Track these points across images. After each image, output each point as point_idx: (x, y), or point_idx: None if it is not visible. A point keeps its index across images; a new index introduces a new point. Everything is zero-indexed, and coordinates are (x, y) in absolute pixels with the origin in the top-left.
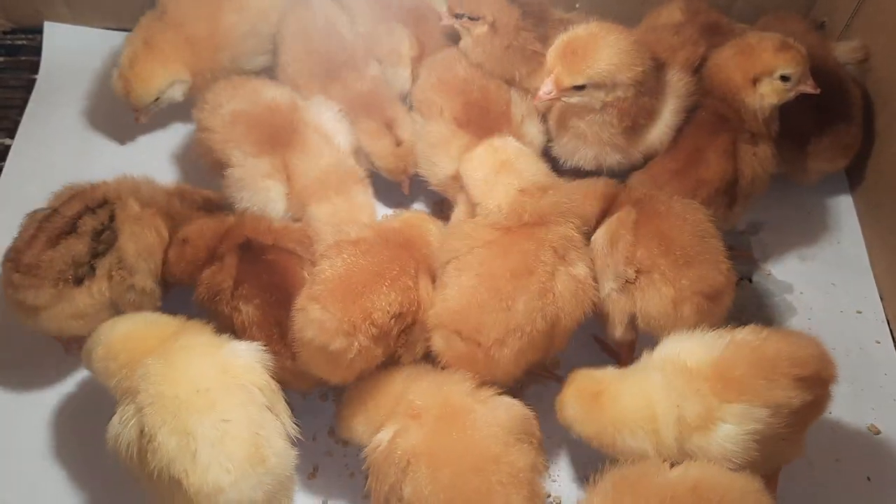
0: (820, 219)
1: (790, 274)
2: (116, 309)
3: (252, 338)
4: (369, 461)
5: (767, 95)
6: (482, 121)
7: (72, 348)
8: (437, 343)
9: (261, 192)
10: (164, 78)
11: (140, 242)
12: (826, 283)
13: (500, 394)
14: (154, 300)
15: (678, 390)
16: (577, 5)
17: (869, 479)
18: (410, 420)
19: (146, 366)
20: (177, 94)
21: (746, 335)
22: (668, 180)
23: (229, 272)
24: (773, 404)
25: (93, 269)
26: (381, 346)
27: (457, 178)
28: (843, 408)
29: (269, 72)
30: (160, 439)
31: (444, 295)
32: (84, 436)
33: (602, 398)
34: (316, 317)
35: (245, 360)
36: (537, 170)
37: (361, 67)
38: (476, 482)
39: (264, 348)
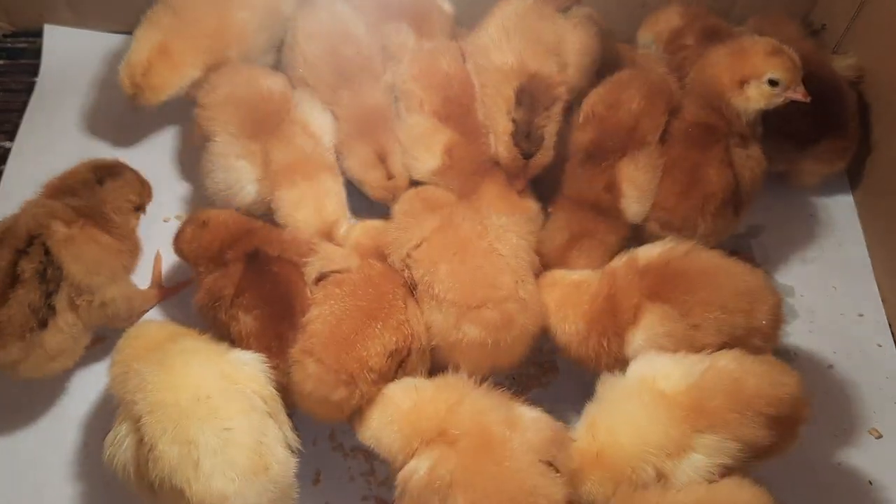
0: (821, 221)
1: (791, 277)
2: (95, 330)
3: (249, 349)
4: (403, 488)
5: (754, 99)
6: (462, 118)
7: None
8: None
9: (232, 171)
10: (176, 85)
11: (86, 260)
12: (827, 285)
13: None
14: (131, 300)
15: (663, 420)
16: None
17: (871, 482)
18: (447, 448)
19: (142, 373)
20: (184, 89)
21: (728, 363)
22: (675, 204)
23: (232, 279)
24: (743, 440)
25: (51, 307)
26: (382, 384)
27: (438, 173)
28: (845, 411)
29: (278, 67)
30: (161, 448)
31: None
32: (86, 444)
33: (603, 457)
34: (312, 371)
35: (246, 367)
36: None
37: (377, 76)
38: None
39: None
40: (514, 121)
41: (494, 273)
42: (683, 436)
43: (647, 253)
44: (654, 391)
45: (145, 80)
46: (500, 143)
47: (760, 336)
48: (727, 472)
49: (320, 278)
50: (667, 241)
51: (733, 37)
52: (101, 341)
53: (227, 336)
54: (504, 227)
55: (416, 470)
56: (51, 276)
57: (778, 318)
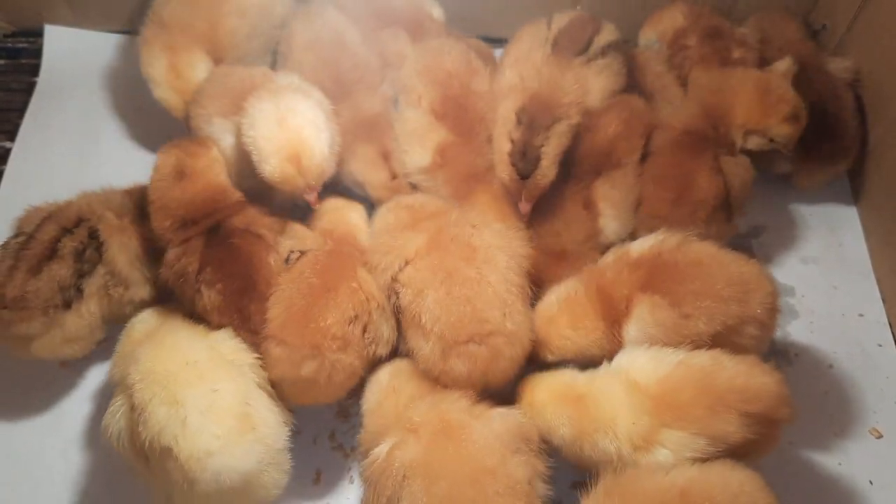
0: (821, 222)
1: (792, 277)
2: (109, 326)
3: (213, 322)
4: (367, 473)
5: (750, 142)
6: (458, 119)
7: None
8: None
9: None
10: (203, 70)
11: (130, 252)
12: (828, 285)
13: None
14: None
15: (635, 406)
16: (578, 7)
17: (871, 482)
18: (408, 433)
19: (135, 353)
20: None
21: (703, 358)
22: (667, 211)
23: (195, 255)
24: (711, 435)
25: (80, 290)
26: (353, 353)
27: (428, 171)
28: (845, 411)
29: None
30: (150, 410)
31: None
32: (85, 441)
33: (585, 401)
34: (276, 354)
35: (231, 341)
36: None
37: (375, 86)
38: (472, 493)
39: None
40: (512, 141)
41: (482, 305)
42: (651, 429)
43: (640, 246)
44: (629, 380)
45: (182, 80)
46: (500, 162)
47: (756, 324)
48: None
49: (290, 258)
50: (658, 234)
51: (735, 37)
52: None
53: (193, 309)
54: (494, 246)
55: (378, 455)
56: (88, 257)
57: (773, 307)
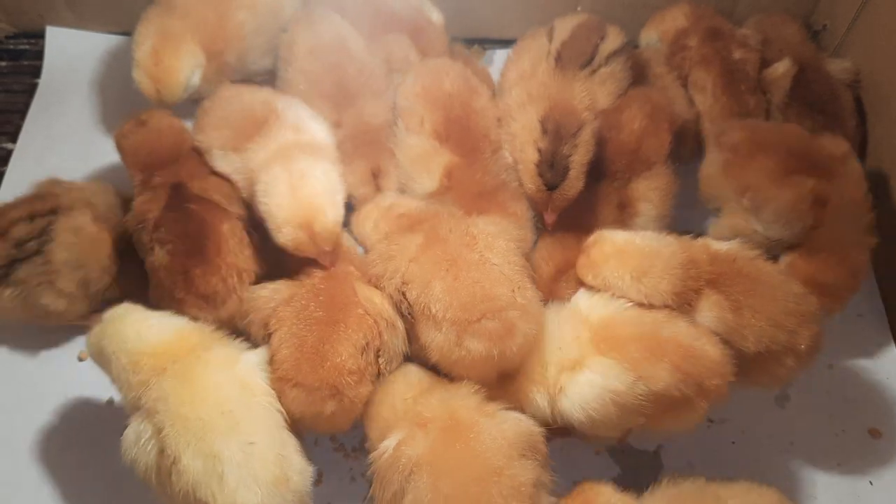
0: None
1: None
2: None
3: (158, 280)
4: (374, 467)
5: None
6: (462, 139)
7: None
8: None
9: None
10: (189, 67)
11: (71, 253)
12: None
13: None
14: (64, 316)
15: (563, 335)
16: (579, 8)
17: (871, 483)
18: (417, 429)
19: (163, 387)
20: (196, 79)
21: (659, 313)
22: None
23: (157, 205)
24: (638, 374)
25: (6, 275)
26: (368, 381)
27: (436, 195)
28: (845, 411)
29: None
30: (185, 462)
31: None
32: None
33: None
34: (294, 396)
35: (259, 373)
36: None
37: (380, 92)
38: (476, 492)
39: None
40: (539, 150)
41: (490, 284)
42: (584, 355)
43: (718, 244)
44: (577, 313)
45: (160, 68)
46: (526, 173)
47: (794, 357)
48: (626, 412)
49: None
50: (735, 242)
51: (736, 38)
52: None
53: (146, 260)
54: (491, 233)
55: (386, 449)
56: (27, 248)
57: (815, 347)
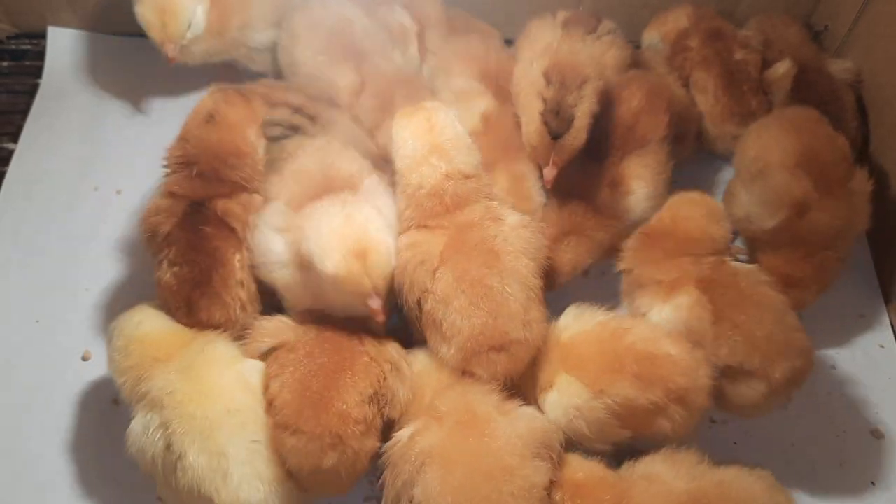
0: None
1: None
2: None
3: (163, 297)
4: (387, 456)
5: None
6: (496, 93)
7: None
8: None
9: None
10: (192, 7)
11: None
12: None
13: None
14: None
15: (544, 356)
16: (581, 8)
17: (873, 483)
18: (432, 421)
19: (170, 380)
20: (200, 19)
21: (620, 323)
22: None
23: (171, 218)
24: (597, 389)
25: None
26: (374, 435)
27: (474, 134)
28: (847, 412)
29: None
30: (191, 458)
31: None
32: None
33: None
34: (292, 445)
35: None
36: (467, 156)
37: (388, 54)
38: (486, 490)
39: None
40: (544, 100)
41: (504, 321)
42: (554, 372)
43: (735, 264)
44: (555, 333)
45: (165, 12)
46: (531, 123)
47: (767, 385)
48: (601, 425)
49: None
50: (755, 267)
51: (737, 38)
52: None
53: (154, 264)
54: (516, 251)
55: (400, 438)
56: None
57: (794, 381)
